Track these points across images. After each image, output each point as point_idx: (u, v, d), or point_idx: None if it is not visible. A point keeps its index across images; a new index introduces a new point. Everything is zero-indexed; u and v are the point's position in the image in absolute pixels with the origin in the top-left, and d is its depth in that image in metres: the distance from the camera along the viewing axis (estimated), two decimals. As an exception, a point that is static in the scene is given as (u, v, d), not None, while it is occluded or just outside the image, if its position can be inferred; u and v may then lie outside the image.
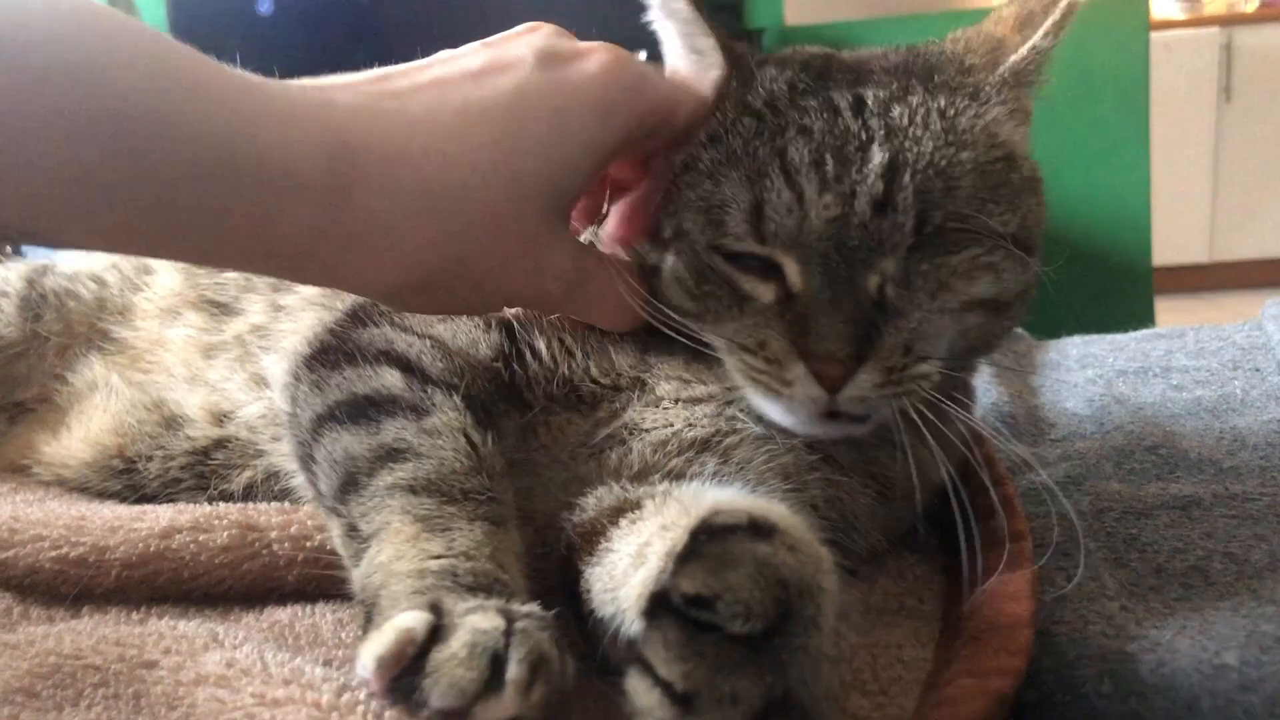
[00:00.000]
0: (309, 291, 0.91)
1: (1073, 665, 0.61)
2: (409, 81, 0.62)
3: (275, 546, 0.74)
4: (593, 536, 0.64)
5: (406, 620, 0.50)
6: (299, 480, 0.78)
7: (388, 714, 0.52)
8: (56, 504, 0.86)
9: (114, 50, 0.50)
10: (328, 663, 0.62)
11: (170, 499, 0.86)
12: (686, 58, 0.75)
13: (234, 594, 0.74)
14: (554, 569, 0.66)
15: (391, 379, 0.70)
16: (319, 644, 0.67)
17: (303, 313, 0.90)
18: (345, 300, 0.82)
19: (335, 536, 0.65)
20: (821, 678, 0.50)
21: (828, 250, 0.64)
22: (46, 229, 0.52)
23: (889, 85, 0.69)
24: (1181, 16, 5.42)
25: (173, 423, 0.89)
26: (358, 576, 0.60)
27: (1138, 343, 1.40)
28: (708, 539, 0.51)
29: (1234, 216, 5.25)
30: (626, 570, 0.59)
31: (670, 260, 0.71)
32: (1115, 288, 2.78)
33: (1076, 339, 1.45)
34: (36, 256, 1.20)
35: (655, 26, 0.76)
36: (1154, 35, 3.00)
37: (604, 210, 0.77)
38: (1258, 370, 1.19)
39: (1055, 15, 0.69)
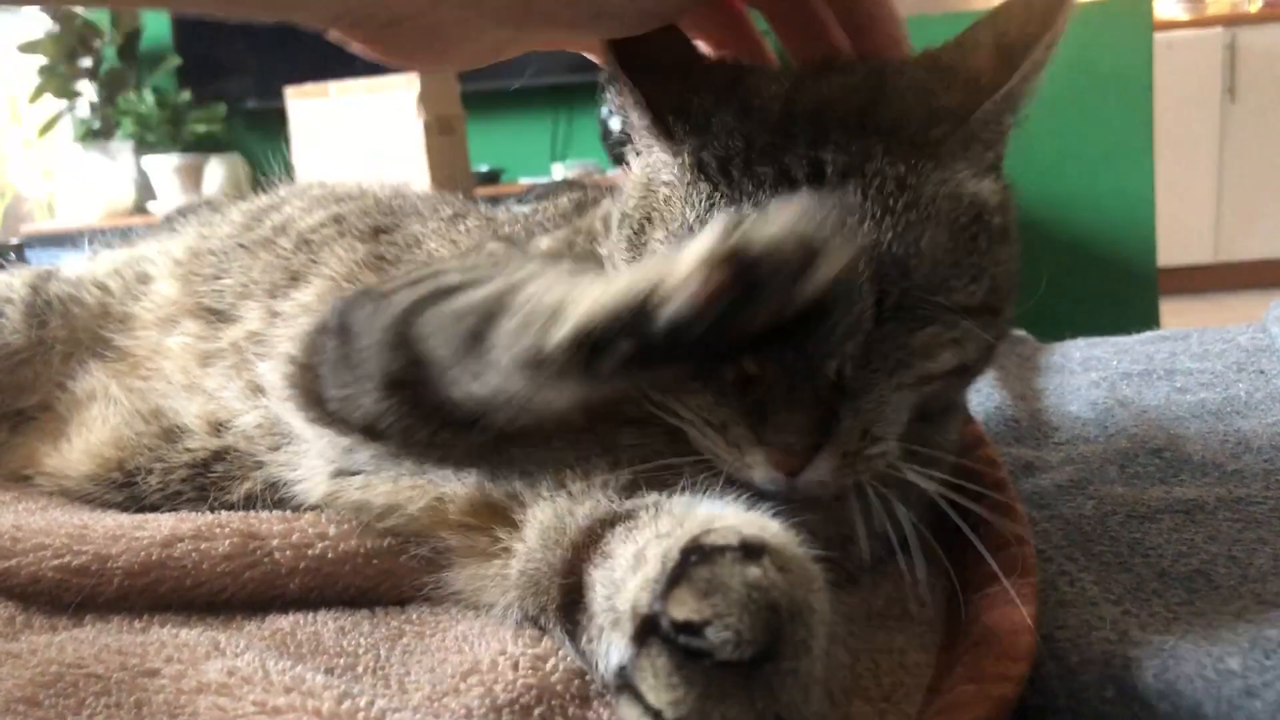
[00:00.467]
0: (305, 298, 0.91)
1: (1075, 671, 0.61)
2: None
3: (277, 555, 0.74)
4: (592, 542, 0.64)
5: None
6: (300, 487, 0.78)
7: (388, 722, 0.52)
8: (59, 513, 0.86)
9: None
10: (329, 670, 0.63)
11: (172, 509, 0.86)
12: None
13: (236, 602, 0.74)
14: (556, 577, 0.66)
15: None
16: (320, 652, 0.67)
17: (299, 319, 0.90)
18: None
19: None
20: (812, 701, 0.50)
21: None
22: None
23: (847, 147, 0.63)
24: (1185, 16, 5.42)
25: (171, 434, 0.89)
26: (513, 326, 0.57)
27: (1141, 345, 1.40)
28: (698, 560, 0.50)
29: (1239, 217, 5.25)
30: (625, 575, 0.58)
31: None
32: (1120, 289, 2.78)
33: (1080, 341, 1.45)
34: (39, 263, 1.21)
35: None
36: (1157, 35, 2.99)
37: None
38: (1262, 373, 1.19)
39: (1036, 53, 0.64)
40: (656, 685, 0.47)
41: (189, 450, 0.87)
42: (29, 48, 4.35)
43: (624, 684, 0.50)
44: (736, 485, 0.67)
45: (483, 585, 0.71)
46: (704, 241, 0.51)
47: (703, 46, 0.76)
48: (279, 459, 0.82)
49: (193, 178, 4.42)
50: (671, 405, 0.68)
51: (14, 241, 4.19)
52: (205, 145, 4.56)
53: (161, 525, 0.76)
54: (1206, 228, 5.27)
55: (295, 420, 0.79)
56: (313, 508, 0.80)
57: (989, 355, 0.70)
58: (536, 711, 0.58)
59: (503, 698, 0.59)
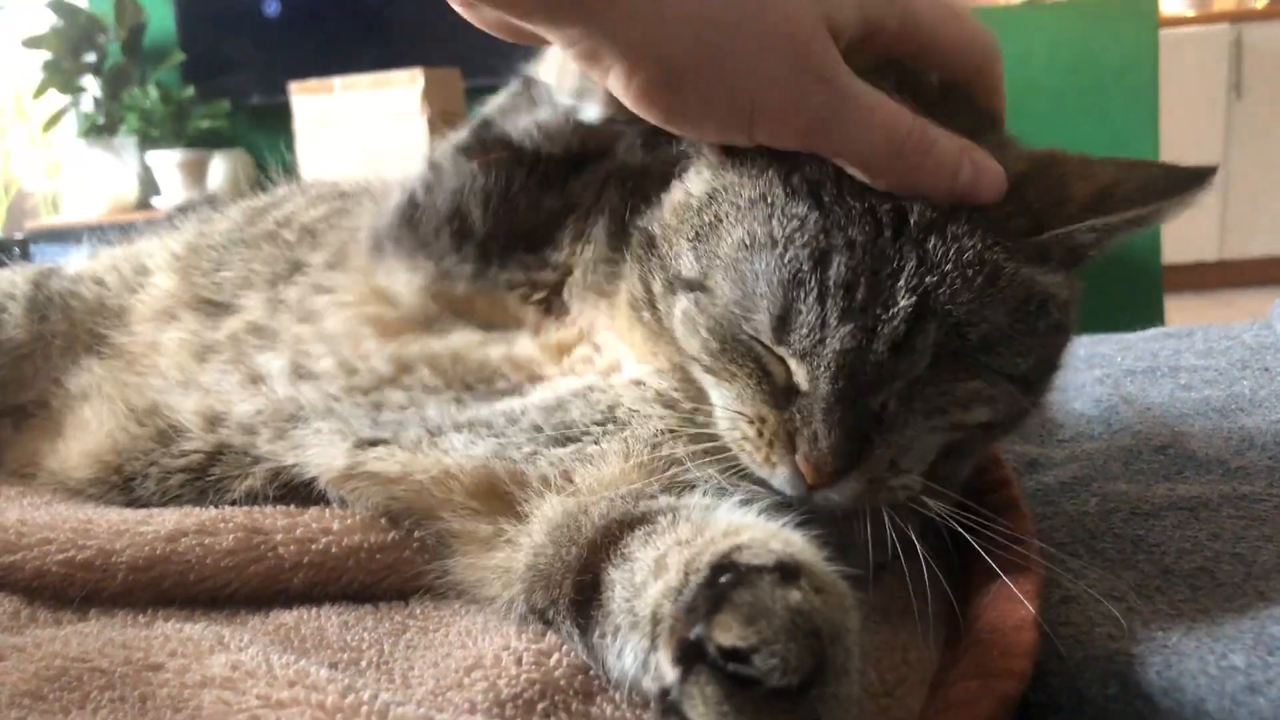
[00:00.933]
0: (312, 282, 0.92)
1: (1079, 667, 0.61)
2: None
3: (281, 549, 0.74)
4: (610, 543, 0.64)
5: None
6: (317, 464, 0.79)
7: (391, 714, 0.52)
8: (63, 507, 0.86)
9: None
10: (333, 665, 0.63)
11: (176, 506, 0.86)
12: None
13: (240, 597, 0.74)
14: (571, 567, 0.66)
15: None
16: (324, 646, 0.67)
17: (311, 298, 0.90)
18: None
19: None
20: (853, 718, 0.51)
21: (838, 371, 0.63)
22: None
23: (936, 204, 0.65)
24: (1191, 13, 5.40)
25: (165, 436, 0.88)
26: None
27: (1145, 342, 1.40)
28: (734, 580, 0.51)
29: (1244, 214, 5.23)
30: (646, 579, 0.59)
31: (685, 304, 0.70)
32: (1124, 286, 2.77)
33: (1084, 338, 1.45)
34: (44, 259, 1.21)
35: None
36: (1163, 32, 2.98)
37: None
38: (1267, 370, 1.19)
39: (1117, 217, 0.66)
40: (706, 713, 0.48)
41: (184, 454, 0.87)
42: (33, 43, 4.34)
43: (671, 710, 0.50)
44: (738, 481, 0.67)
45: (484, 576, 0.71)
46: None
47: None
48: (286, 445, 0.82)
49: (197, 174, 4.41)
50: (708, 385, 0.70)
51: (18, 237, 4.18)
52: (209, 141, 4.55)
53: (166, 520, 0.76)
54: (1211, 224, 5.26)
55: (398, 273, 0.85)
56: (320, 496, 0.80)
57: (1018, 420, 0.73)
58: (540, 706, 0.58)
59: (506, 692, 0.59)
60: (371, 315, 0.85)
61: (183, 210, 1.22)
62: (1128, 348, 1.36)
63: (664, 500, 0.67)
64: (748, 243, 0.66)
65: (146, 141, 4.51)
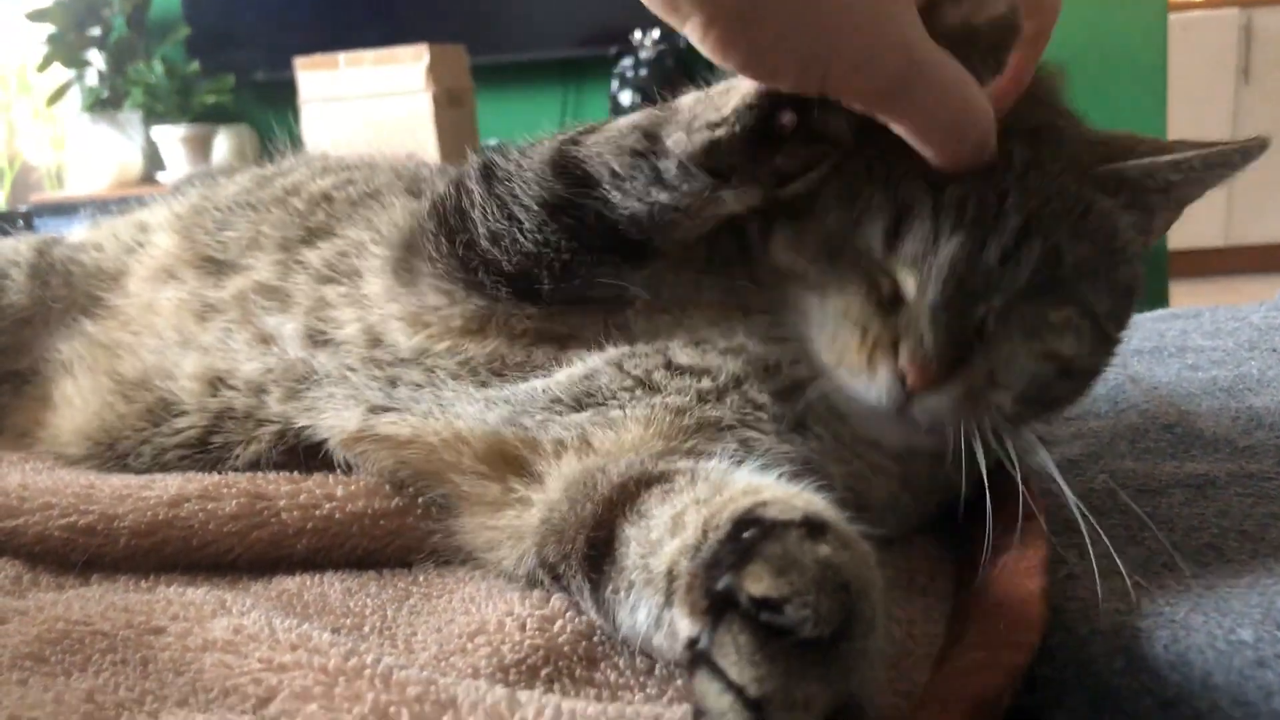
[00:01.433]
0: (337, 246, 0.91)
1: (1085, 641, 0.61)
2: None
3: (284, 515, 0.74)
4: (626, 499, 0.64)
5: None
6: (331, 426, 0.79)
7: (395, 678, 0.52)
8: (65, 473, 0.86)
9: None
10: (336, 630, 0.63)
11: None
12: None
13: (242, 563, 0.74)
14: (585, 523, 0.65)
15: None
16: (327, 612, 0.67)
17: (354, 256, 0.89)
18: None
19: None
20: (878, 676, 0.51)
21: (947, 278, 0.66)
22: None
23: (1032, 146, 0.69)
24: (1200, -3, 5.37)
25: (156, 414, 0.87)
26: None
27: (1153, 322, 1.39)
28: (761, 534, 0.50)
29: (1251, 200, 5.20)
30: (663, 536, 0.59)
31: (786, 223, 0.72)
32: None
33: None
34: (47, 232, 1.20)
35: None
36: (1172, 16, 2.97)
37: None
38: (1274, 350, 1.18)
39: (1181, 155, 0.70)
40: (739, 661, 0.47)
41: (179, 431, 0.86)
42: (37, 16, 4.32)
43: (699, 658, 0.49)
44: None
45: (493, 537, 0.71)
46: None
47: None
48: (299, 406, 0.81)
49: (201, 148, 4.39)
50: (811, 299, 0.72)
51: (22, 210, 4.18)
52: (214, 116, 4.52)
53: (169, 485, 0.76)
54: (1217, 210, 5.24)
55: (418, 292, 0.79)
56: (323, 462, 0.80)
57: (1090, 376, 0.76)
58: (543, 672, 0.58)
59: (510, 658, 0.59)
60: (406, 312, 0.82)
61: (190, 181, 1.22)
62: (1134, 327, 1.35)
63: (683, 462, 0.67)
64: (864, 157, 0.69)
65: (151, 116, 4.49)
